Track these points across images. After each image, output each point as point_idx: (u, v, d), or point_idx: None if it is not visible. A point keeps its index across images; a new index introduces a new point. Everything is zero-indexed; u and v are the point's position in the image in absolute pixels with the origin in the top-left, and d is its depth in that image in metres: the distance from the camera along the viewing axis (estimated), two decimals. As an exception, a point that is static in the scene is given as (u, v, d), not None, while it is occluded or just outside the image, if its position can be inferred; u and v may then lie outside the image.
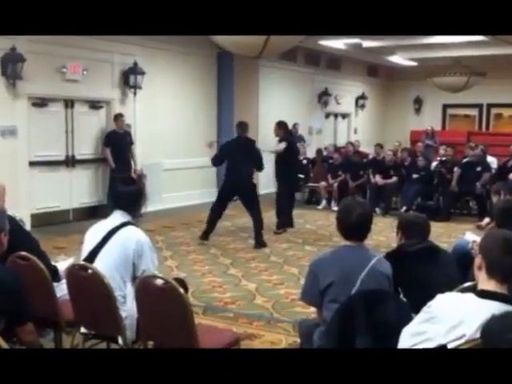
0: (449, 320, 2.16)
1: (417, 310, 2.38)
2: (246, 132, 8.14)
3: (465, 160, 10.77)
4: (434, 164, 11.34)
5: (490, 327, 1.90)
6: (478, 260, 2.29)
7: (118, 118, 9.66)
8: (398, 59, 15.74)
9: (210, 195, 12.10)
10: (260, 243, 7.89)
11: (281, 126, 8.91)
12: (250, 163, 7.99)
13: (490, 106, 17.27)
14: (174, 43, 10.46)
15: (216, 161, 8.18)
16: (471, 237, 4.63)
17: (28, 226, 7.75)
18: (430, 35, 11.29)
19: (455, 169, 10.54)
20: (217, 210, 8.08)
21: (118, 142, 9.61)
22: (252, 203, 8.03)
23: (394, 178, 11.09)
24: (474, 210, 10.79)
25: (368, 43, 12.99)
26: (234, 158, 7.88)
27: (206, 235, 8.06)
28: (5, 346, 2.19)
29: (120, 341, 3.37)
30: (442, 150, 11.59)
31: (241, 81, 12.18)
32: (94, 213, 9.46)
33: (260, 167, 8.14)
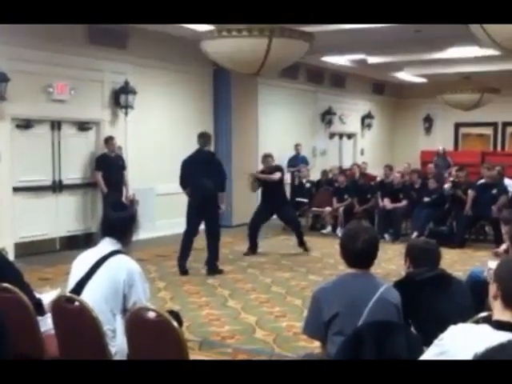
0: (462, 354, 2.14)
1: (428, 343, 2.37)
2: (208, 144, 8.13)
3: (480, 182, 10.74)
4: (446, 186, 11.34)
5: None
6: (493, 288, 2.28)
7: (109, 141, 9.72)
8: (405, 75, 15.87)
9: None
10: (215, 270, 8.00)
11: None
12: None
13: (505, 124, 17.37)
14: (167, 60, 10.57)
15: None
16: (493, 265, 4.52)
17: (11, 256, 7.74)
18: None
19: (469, 191, 10.52)
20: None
21: (109, 167, 9.66)
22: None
23: (404, 202, 11.10)
24: (490, 236, 10.73)
25: (373, 59, 13.11)
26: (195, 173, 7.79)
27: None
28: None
29: (109, 379, 3.34)
30: (453, 172, 11.56)
31: (239, 100, 12.27)
32: (82, 241, 9.45)
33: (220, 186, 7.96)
